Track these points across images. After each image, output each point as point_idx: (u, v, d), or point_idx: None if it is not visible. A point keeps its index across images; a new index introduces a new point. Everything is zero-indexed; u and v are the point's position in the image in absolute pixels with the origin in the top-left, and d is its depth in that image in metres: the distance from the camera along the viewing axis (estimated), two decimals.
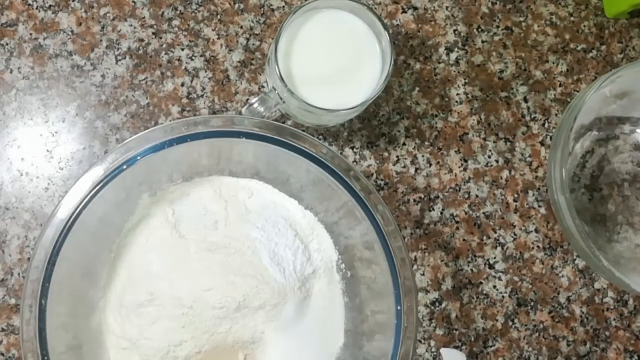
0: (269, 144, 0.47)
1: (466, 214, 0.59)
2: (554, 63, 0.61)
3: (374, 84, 0.52)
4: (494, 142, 0.60)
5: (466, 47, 0.61)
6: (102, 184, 0.45)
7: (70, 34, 0.57)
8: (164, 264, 0.51)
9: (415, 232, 0.58)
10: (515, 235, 0.59)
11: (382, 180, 0.58)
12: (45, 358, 0.43)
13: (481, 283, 0.58)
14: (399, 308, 0.46)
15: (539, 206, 0.60)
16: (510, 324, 0.58)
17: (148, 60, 0.58)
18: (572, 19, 0.62)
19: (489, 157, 0.60)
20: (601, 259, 0.52)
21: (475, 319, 0.58)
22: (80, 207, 0.44)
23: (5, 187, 0.55)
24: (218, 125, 0.46)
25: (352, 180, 0.47)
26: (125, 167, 0.45)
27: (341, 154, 0.57)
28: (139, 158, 0.45)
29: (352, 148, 0.59)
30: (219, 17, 0.58)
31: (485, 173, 0.60)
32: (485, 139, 0.60)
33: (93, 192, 0.44)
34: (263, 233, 0.52)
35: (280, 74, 0.50)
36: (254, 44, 0.59)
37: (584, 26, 0.62)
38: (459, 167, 0.59)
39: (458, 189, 0.59)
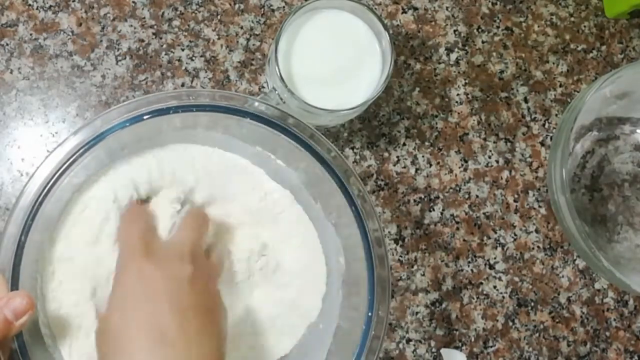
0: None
1: (466, 214, 0.59)
2: (554, 63, 0.61)
3: (374, 84, 0.52)
4: (494, 142, 0.60)
5: (466, 47, 0.61)
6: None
7: (70, 34, 0.57)
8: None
9: (415, 232, 0.58)
10: (515, 235, 0.59)
11: (382, 180, 0.58)
12: None
13: (481, 283, 0.58)
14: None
15: (539, 206, 0.60)
16: (510, 324, 0.58)
17: (148, 61, 0.58)
18: (572, 19, 0.62)
19: (489, 157, 0.60)
20: (601, 259, 0.52)
21: (475, 319, 0.58)
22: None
23: (5, 187, 0.55)
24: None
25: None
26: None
27: (341, 153, 0.57)
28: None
29: (352, 148, 0.58)
30: (219, 17, 0.58)
31: (485, 173, 0.60)
32: (485, 139, 0.60)
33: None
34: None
35: (280, 74, 0.50)
36: (254, 44, 0.59)
37: (584, 26, 0.62)
38: (459, 167, 0.59)
39: (458, 189, 0.59)
